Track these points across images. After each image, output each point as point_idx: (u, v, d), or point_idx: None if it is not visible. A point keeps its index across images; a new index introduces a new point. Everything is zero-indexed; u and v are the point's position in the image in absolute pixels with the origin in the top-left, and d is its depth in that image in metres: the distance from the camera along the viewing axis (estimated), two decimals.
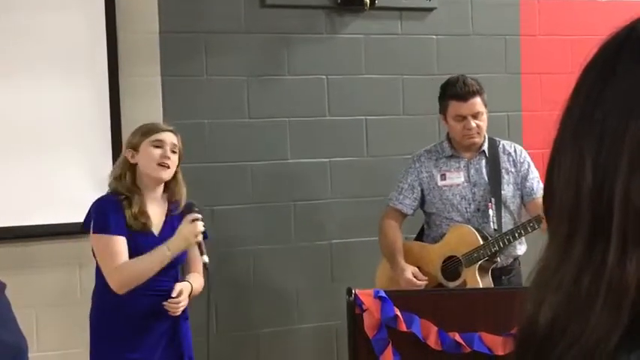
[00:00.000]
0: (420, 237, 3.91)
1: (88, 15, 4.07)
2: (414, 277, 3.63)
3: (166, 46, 4.24)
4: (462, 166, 3.75)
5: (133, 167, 3.23)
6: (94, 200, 3.28)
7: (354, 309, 3.21)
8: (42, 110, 3.98)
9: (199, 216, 3.22)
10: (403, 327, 3.15)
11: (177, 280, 3.26)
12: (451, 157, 3.77)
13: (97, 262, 3.24)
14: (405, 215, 3.83)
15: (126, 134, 3.89)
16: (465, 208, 3.70)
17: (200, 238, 3.20)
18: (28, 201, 3.96)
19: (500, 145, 3.79)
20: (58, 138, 4.00)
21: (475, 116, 3.65)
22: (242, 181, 4.36)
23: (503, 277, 3.69)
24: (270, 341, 4.43)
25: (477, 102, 3.65)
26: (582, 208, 0.65)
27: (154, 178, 3.24)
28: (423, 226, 3.93)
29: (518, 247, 3.72)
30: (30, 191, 3.95)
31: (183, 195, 3.30)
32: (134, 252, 3.15)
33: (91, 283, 3.93)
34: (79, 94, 4.04)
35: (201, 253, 3.24)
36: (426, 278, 3.64)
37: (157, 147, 3.22)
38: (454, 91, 3.67)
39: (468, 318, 3.16)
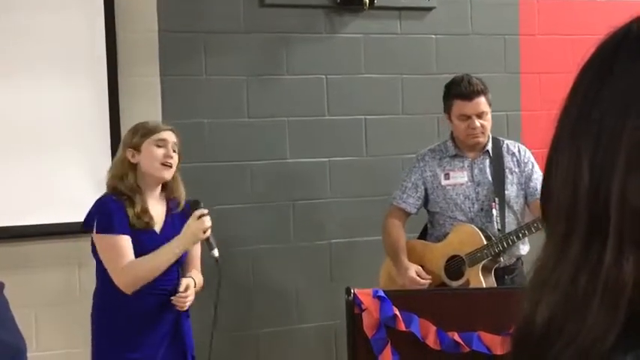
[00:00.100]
0: (423, 236, 3.91)
1: (88, 15, 4.07)
2: (418, 275, 3.63)
3: (166, 46, 4.24)
4: (465, 166, 3.75)
5: (134, 167, 3.23)
6: (93, 200, 3.28)
7: (353, 308, 3.21)
8: (41, 110, 3.98)
9: (206, 211, 3.23)
10: (402, 326, 3.15)
11: (178, 279, 3.26)
12: (455, 156, 3.77)
13: (97, 262, 3.24)
14: (408, 214, 3.83)
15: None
16: (469, 208, 3.70)
17: (208, 233, 3.21)
18: (27, 201, 3.96)
19: (504, 145, 3.79)
20: (57, 138, 4.00)
21: (479, 116, 3.66)
22: (241, 180, 4.36)
23: (506, 277, 3.69)
24: (269, 341, 4.43)
25: (482, 101, 3.66)
26: (579, 208, 0.66)
27: (156, 178, 3.25)
28: (426, 225, 3.93)
29: (521, 246, 3.71)
30: (29, 191, 3.95)
31: (182, 193, 3.31)
32: (138, 250, 3.16)
33: (90, 283, 3.93)
34: (78, 93, 4.04)
35: (211, 249, 3.26)
36: (430, 277, 3.64)
37: (160, 146, 3.23)
38: (459, 90, 3.67)
39: (467, 317, 3.16)
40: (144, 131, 3.25)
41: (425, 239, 3.86)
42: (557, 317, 0.65)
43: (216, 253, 3.26)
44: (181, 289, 3.19)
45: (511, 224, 3.68)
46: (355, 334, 3.21)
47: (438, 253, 3.72)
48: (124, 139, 3.33)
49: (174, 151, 3.26)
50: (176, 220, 3.27)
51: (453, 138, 3.80)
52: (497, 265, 3.65)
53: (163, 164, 3.22)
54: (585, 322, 0.63)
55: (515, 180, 3.73)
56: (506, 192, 3.70)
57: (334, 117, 4.54)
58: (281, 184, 4.45)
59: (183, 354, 3.30)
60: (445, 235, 3.73)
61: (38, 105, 3.98)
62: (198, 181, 4.02)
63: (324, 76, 4.53)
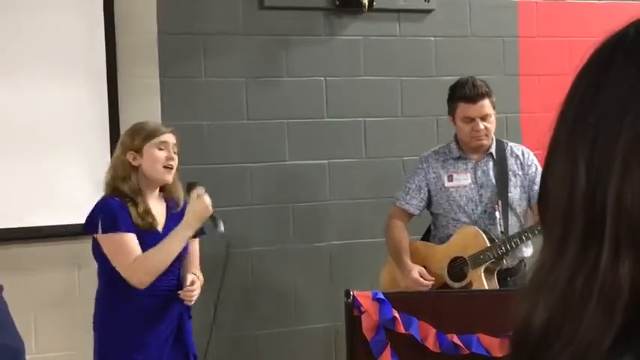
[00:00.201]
0: (426, 237, 3.91)
1: (87, 16, 4.07)
2: (421, 276, 3.63)
3: (165, 48, 4.24)
4: (469, 168, 3.76)
5: (135, 169, 3.24)
6: (92, 201, 3.28)
7: (353, 311, 3.21)
8: (41, 111, 3.99)
9: (203, 190, 3.25)
10: (401, 329, 3.15)
11: (179, 278, 3.27)
12: (459, 158, 3.78)
13: (99, 264, 3.25)
14: (411, 215, 3.83)
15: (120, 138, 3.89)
16: (472, 210, 3.71)
17: (210, 211, 3.22)
18: (26, 202, 3.96)
19: (508, 148, 3.79)
20: (56, 139, 4.00)
21: (484, 118, 3.66)
22: (241, 182, 4.37)
23: (509, 279, 3.69)
24: (268, 342, 4.43)
25: (486, 104, 3.66)
26: (576, 211, 0.66)
27: (158, 181, 3.26)
28: (429, 226, 3.93)
29: (524, 249, 3.71)
30: (29, 192, 3.95)
31: (180, 193, 3.32)
32: (142, 251, 3.17)
33: (89, 285, 3.93)
34: (78, 94, 4.04)
35: (216, 225, 3.29)
36: (433, 278, 3.64)
37: (162, 149, 3.24)
38: (463, 92, 3.68)
39: (466, 320, 3.16)
40: (145, 134, 3.25)
41: (428, 241, 3.87)
42: (555, 320, 0.66)
43: (222, 227, 3.28)
44: (187, 283, 3.22)
45: (514, 227, 3.68)
46: (354, 337, 3.21)
47: (441, 254, 3.72)
48: (122, 140, 3.32)
49: (174, 153, 3.27)
50: (176, 219, 3.27)
51: (456, 140, 3.80)
52: (500, 268, 3.65)
53: (165, 167, 3.24)
54: (582, 324, 0.64)
55: (518, 183, 3.73)
56: (509, 194, 3.70)
57: (333, 119, 4.55)
58: (280, 186, 4.45)
59: (186, 354, 3.31)
60: (448, 236, 3.74)
61: (37, 106, 3.98)
62: (198, 182, 4.01)
63: (323, 78, 4.53)
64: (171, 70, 4.25)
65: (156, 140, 3.24)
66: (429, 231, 3.93)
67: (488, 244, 3.59)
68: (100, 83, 4.07)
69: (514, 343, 0.69)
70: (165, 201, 3.34)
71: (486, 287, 3.57)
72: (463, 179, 3.74)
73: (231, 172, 4.33)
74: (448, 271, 3.70)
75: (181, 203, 3.32)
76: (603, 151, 0.65)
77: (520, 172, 3.75)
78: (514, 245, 3.57)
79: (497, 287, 3.60)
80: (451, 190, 3.74)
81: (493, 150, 3.76)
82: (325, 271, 4.53)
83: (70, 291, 4.07)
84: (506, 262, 3.67)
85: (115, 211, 3.16)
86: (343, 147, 4.56)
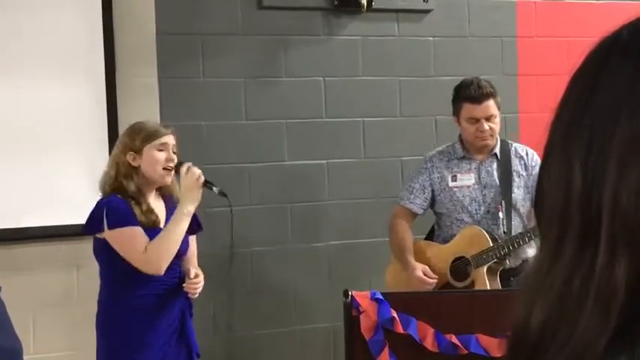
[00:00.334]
0: (430, 237, 3.92)
1: (86, 16, 4.07)
2: (425, 275, 3.64)
3: (163, 48, 4.24)
4: (473, 168, 3.77)
5: (135, 169, 3.24)
6: (91, 201, 3.28)
7: (351, 311, 3.21)
8: (40, 111, 3.99)
9: (189, 163, 3.26)
10: (400, 329, 3.15)
11: (180, 275, 3.28)
12: (463, 158, 3.78)
13: (101, 263, 3.25)
14: (415, 215, 3.84)
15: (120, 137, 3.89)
16: (475, 210, 3.71)
17: (202, 178, 3.25)
18: (25, 202, 3.96)
19: (513, 148, 3.80)
20: (56, 138, 4.00)
21: (488, 119, 3.67)
22: (239, 183, 4.36)
23: (512, 279, 3.69)
24: (267, 342, 4.43)
25: (491, 104, 3.67)
26: (571, 212, 0.66)
27: (157, 182, 3.27)
28: (433, 226, 3.94)
29: (527, 249, 3.71)
30: (28, 192, 3.95)
31: (177, 191, 3.32)
32: None
33: (88, 285, 3.93)
34: (77, 94, 4.04)
35: (212, 188, 3.35)
36: (437, 276, 3.65)
37: (161, 150, 3.25)
38: (468, 93, 3.68)
39: (465, 320, 3.16)
40: (145, 135, 3.25)
41: (432, 240, 3.87)
42: (551, 321, 0.66)
43: (217, 189, 3.38)
44: (191, 275, 3.24)
45: (517, 227, 3.68)
46: (353, 337, 3.21)
47: (444, 253, 3.73)
48: (122, 140, 3.32)
49: (174, 153, 3.28)
50: None
51: (461, 140, 3.81)
52: (502, 268, 3.65)
53: (165, 168, 3.25)
54: (578, 325, 0.64)
55: (522, 183, 3.74)
56: (512, 195, 3.71)
57: (332, 119, 4.55)
58: (279, 186, 4.45)
59: (189, 352, 3.32)
60: (452, 236, 3.75)
61: (36, 106, 3.98)
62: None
63: (321, 78, 4.53)
64: (170, 70, 4.25)
65: (156, 142, 3.25)
66: (432, 230, 3.94)
67: (491, 244, 3.60)
68: (99, 83, 4.07)
69: (511, 345, 0.70)
70: (163, 199, 3.34)
71: (489, 287, 3.57)
72: (467, 179, 3.75)
73: (229, 172, 4.33)
74: (451, 271, 3.71)
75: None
76: (599, 152, 0.65)
77: (524, 173, 3.75)
78: (516, 245, 3.57)
79: (500, 287, 3.60)
80: (455, 190, 3.75)
81: (497, 150, 3.76)
82: (324, 271, 4.53)
83: (68, 291, 4.06)
84: (509, 262, 3.67)
85: (121, 207, 3.17)
86: (342, 147, 4.56)
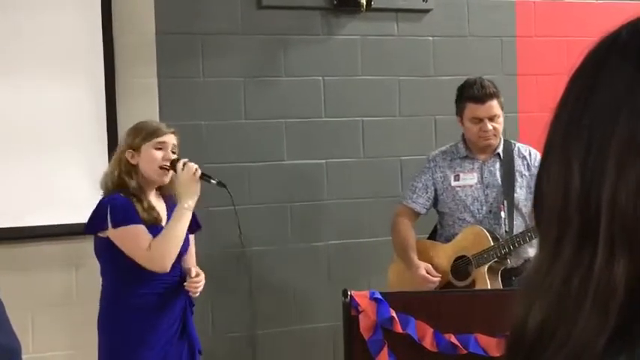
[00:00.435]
0: (433, 236, 3.94)
1: (86, 16, 4.07)
2: (428, 273, 3.64)
3: (163, 48, 4.24)
4: (475, 168, 3.77)
5: (134, 167, 3.25)
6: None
7: (350, 310, 3.21)
8: (40, 111, 3.99)
9: (185, 159, 3.26)
10: (399, 328, 3.15)
11: (181, 274, 3.28)
12: (465, 158, 3.79)
13: (103, 263, 3.25)
14: (417, 214, 3.86)
15: (122, 136, 3.89)
16: (477, 210, 3.72)
17: (199, 172, 3.25)
18: (25, 202, 3.96)
19: (516, 148, 3.81)
20: (56, 138, 4.00)
21: (492, 119, 3.68)
22: (239, 182, 4.36)
23: (513, 278, 3.70)
24: (266, 342, 4.43)
25: (494, 104, 3.68)
26: (570, 212, 0.66)
27: (154, 181, 3.27)
28: (436, 225, 3.95)
29: (528, 249, 3.72)
30: (27, 192, 3.96)
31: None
32: None
33: (87, 284, 3.93)
34: (77, 94, 4.04)
35: (209, 180, 3.37)
36: (440, 275, 3.65)
37: (159, 149, 3.25)
38: (471, 93, 3.69)
39: (464, 319, 3.16)
40: (145, 133, 3.27)
41: (434, 239, 3.88)
42: (550, 321, 0.66)
43: (215, 180, 3.39)
44: (192, 274, 3.24)
45: (519, 227, 3.69)
46: (352, 336, 3.21)
47: (446, 253, 3.74)
48: (124, 138, 3.34)
49: (173, 153, 3.28)
50: None
51: (464, 140, 3.82)
52: (504, 267, 3.66)
53: (162, 167, 3.24)
54: (577, 325, 0.64)
55: (524, 183, 3.74)
56: (515, 195, 3.71)
57: (331, 119, 4.55)
58: (278, 185, 4.45)
59: (191, 349, 3.33)
60: (454, 235, 3.76)
61: (36, 106, 3.98)
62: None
63: (321, 78, 4.53)
64: (170, 69, 4.25)
65: (154, 140, 3.25)
66: (435, 230, 3.95)
67: (492, 244, 3.60)
68: (99, 83, 4.07)
69: (510, 345, 0.70)
70: (164, 199, 3.35)
71: (489, 286, 3.58)
72: (469, 179, 3.76)
73: (229, 171, 4.32)
74: (452, 270, 3.72)
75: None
76: (597, 152, 0.65)
77: (527, 173, 3.76)
78: (517, 245, 3.57)
79: (501, 286, 3.60)
80: (457, 189, 3.76)
81: (500, 150, 3.77)
82: (323, 271, 4.53)
83: (67, 291, 4.06)
84: (511, 262, 3.67)
85: (124, 205, 3.17)
86: (341, 146, 4.56)
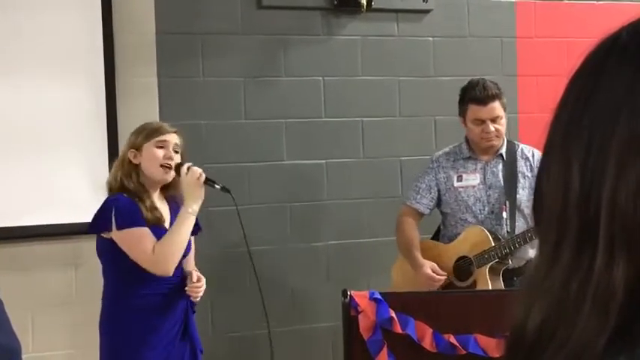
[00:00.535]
0: (436, 237, 3.95)
1: (86, 16, 4.07)
2: (433, 272, 3.65)
3: (163, 47, 4.24)
4: (478, 168, 3.79)
5: (136, 167, 3.25)
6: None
7: (350, 311, 3.21)
8: (40, 111, 3.99)
9: (189, 164, 3.27)
10: (398, 329, 3.15)
11: (183, 275, 3.29)
12: (468, 158, 3.81)
13: (105, 263, 3.25)
14: (421, 215, 3.87)
15: (122, 135, 3.89)
16: (479, 210, 3.73)
17: (203, 177, 3.25)
18: (24, 202, 3.96)
19: (519, 149, 3.82)
20: (56, 138, 4.00)
21: (494, 120, 3.69)
22: (239, 182, 4.36)
23: (515, 279, 3.70)
24: (265, 342, 4.43)
25: (496, 106, 3.68)
26: (570, 213, 0.66)
27: (156, 180, 3.27)
28: (439, 225, 3.96)
29: (529, 250, 3.72)
30: (26, 192, 3.95)
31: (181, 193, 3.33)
32: None
33: (86, 284, 3.93)
34: (77, 94, 4.04)
35: (214, 185, 3.36)
36: (445, 273, 3.67)
37: (160, 147, 3.25)
38: (473, 94, 3.70)
39: (463, 320, 3.16)
40: (146, 133, 3.27)
41: (438, 240, 3.89)
42: (549, 323, 0.66)
43: (219, 185, 3.38)
44: (194, 279, 3.25)
45: (521, 228, 3.69)
46: (351, 336, 3.21)
47: (448, 253, 3.75)
48: (128, 138, 3.34)
49: (176, 152, 3.28)
50: None
51: (467, 140, 3.83)
52: (505, 267, 3.66)
53: (163, 165, 3.24)
54: (576, 327, 0.64)
55: (527, 184, 3.75)
56: (517, 196, 3.72)
57: (331, 119, 4.55)
58: (278, 185, 4.45)
59: (193, 349, 3.33)
60: (456, 235, 3.77)
61: (36, 106, 3.98)
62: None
63: (321, 78, 4.53)
64: (170, 69, 4.25)
65: (156, 138, 3.25)
66: (439, 230, 3.96)
67: (493, 244, 3.61)
68: (99, 83, 4.07)
69: (509, 346, 0.70)
70: (167, 201, 3.34)
71: (490, 287, 3.59)
72: (472, 179, 3.77)
73: (229, 171, 4.32)
74: (454, 270, 3.73)
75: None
76: (597, 152, 0.65)
77: (529, 174, 3.77)
78: (518, 245, 3.58)
79: (503, 287, 3.61)
80: (460, 189, 3.77)
81: (503, 151, 3.78)
82: (323, 271, 4.53)
83: (67, 291, 4.06)
84: (512, 263, 3.68)
85: (129, 207, 3.17)
86: (341, 147, 4.56)
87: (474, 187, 3.76)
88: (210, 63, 4.34)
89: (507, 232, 3.66)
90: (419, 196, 3.85)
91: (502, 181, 3.75)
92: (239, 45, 4.38)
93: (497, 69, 4.80)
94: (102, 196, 3.31)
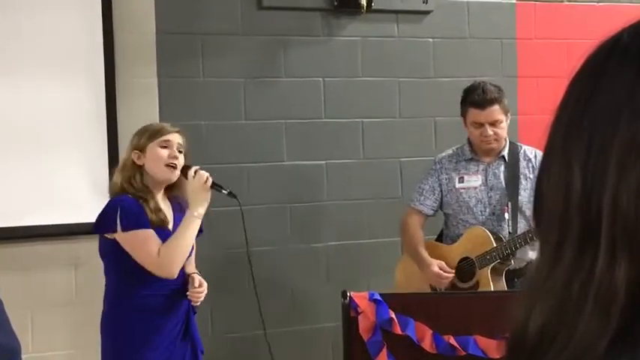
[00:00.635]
0: (440, 238, 3.96)
1: (86, 16, 4.07)
2: (441, 270, 3.66)
3: (163, 48, 4.24)
4: (480, 170, 3.80)
5: (140, 168, 3.25)
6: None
7: (349, 311, 3.21)
8: (40, 111, 3.99)
9: (196, 167, 3.28)
10: (398, 330, 3.15)
11: (184, 278, 3.29)
12: (471, 160, 3.82)
13: (107, 263, 3.24)
14: (426, 216, 3.88)
15: (122, 136, 3.90)
16: (480, 211, 3.74)
17: (210, 181, 3.26)
18: (24, 202, 3.96)
19: (522, 151, 3.82)
20: (56, 138, 4.00)
21: (493, 124, 3.70)
22: (238, 183, 4.36)
23: (516, 280, 3.71)
24: (265, 343, 4.43)
25: (495, 110, 3.69)
26: (571, 215, 0.66)
27: (161, 180, 3.27)
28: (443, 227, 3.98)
29: (530, 252, 3.73)
30: (26, 192, 3.95)
31: (185, 194, 3.32)
32: None
33: (86, 284, 3.93)
34: (77, 94, 4.04)
35: (220, 191, 3.36)
36: (453, 271, 3.67)
37: (164, 147, 3.25)
38: (472, 98, 3.71)
39: (463, 321, 3.16)
40: (149, 133, 3.27)
41: (442, 241, 3.90)
42: (550, 325, 0.66)
43: (226, 190, 3.39)
44: (196, 284, 3.25)
45: (523, 229, 3.69)
46: (351, 337, 3.21)
47: (451, 254, 3.76)
48: (131, 140, 3.34)
49: (179, 152, 3.28)
50: (182, 217, 3.29)
51: (469, 142, 3.84)
52: (507, 268, 3.67)
53: (167, 165, 3.24)
54: (577, 329, 0.64)
55: (529, 186, 3.75)
56: (519, 197, 3.72)
57: (331, 120, 4.55)
58: (278, 186, 4.45)
59: (194, 350, 3.33)
60: (458, 236, 3.79)
61: (36, 106, 3.98)
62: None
63: (321, 79, 4.53)
64: (170, 70, 4.25)
65: (159, 139, 3.26)
66: (442, 231, 3.98)
67: (495, 245, 3.62)
68: (99, 83, 4.07)
69: (510, 349, 0.70)
70: (170, 202, 3.34)
71: (492, 288, 3.60)
72: (474, 181, 3.78)
73: (229, 172, 4.33)
74: (457, 271, 3.73)
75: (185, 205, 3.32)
76: (598, 154, 0.65)
77: (531, 176, 3.77)
78: (519, 246, 3.59)
79: (505, 288, 3.62)
80: (461, 191, 3.79)
81: (505, 153, 3.79)
82: (323, 272, 4.53)
83: (67, 291, 4.06)
84: (514, 264, 3.68)
85: (134, 208, 3.17)
86: (341, 148, 4.56)
87: (475, 188, 3.78)
88: (210, 63, 4.34)
89: (509, 233, 3.67)
90: (422, 198, 3.86)
91: (504, 183, 3.76)
92: (239, 45, 4.38)
93: (498, 70, 4.80)
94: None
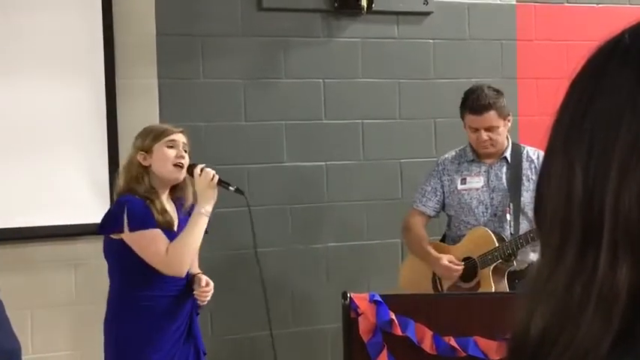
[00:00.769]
0: (444, 239, 3.97)
1: (86, 17, 4.07)
2: (450, 263, 3.68)
3: (163, 49, 4.24)
4: (482, 171, 3.80)
5: (146, 169, 3.25)
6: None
7: (350, 313, 3.21)
8: (40, 111, 3.99)
9: (202, 165, 3.28)
10: (398, 331, 3.15)
11: (188, 278, 3.29)
12: (473, 161, 3.83)
13: (112, 263, 3.24)
14: (428, 217, 3.90)
15: (122, 136, 3.90)
16: (482, 213, 3.75)
17: (216, 178, 3.27)
18: (24, 202, 3.96)
19: (525, 152, 3.83)
20: (56, 139, 4.00)
21: (488, 129, 3.70)
22: (238, 184, 4.34)
23: (517, 281, 3.71)
24: (265, 344, 4.43)
25: (490, 116, 3.69)
26: (573, 217, 0.66)
27: (169, 179, 3.27)
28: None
29: (531, 253, 3.73)
30: (26, 192, 3.95)
31: (190, 194, 3.32)
32: None
33: (86, 285, 3.93)
34: (77, 94, 4.04)
35: (228, 187, 3.38)
36: (462, 264, 3.68)
37: (171, 147, 3.26)
38: (469, 103, 3.73)
39: (463, 322, 3.16)
40: (154, 134, 3.28)
41: (444, 242, 3.91)
42: (552, 327, 0.65)
43: (233, 187, 3.41)
44: (203, 284, 3.26)
45: (525, 230, 3.70)
46: (351, 339, 3.21)
47: (453, 254, 3.76)
48: (134, 142, 3.33)
49: (185, 152, 3.29)
50: (186, 221, 3.28)
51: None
52: (509, 269, 3.67)
53: (175, 165, 3.25)
54: (579, 330, 0.64)
55: (531, 187, 3.76)
56: (521, 198, 3.73)
57: (331, 121, 4.55)
58: (278, 187, 4.45)
59: (197, 351, 3.33)
60: (460, 237, 3.80)
61: (36, 106, 3.98)
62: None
63: (321, 80, 4.54)
64: (170, 71, 4.25)
65: (165, 139, 3.26)
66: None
67: (497, 245, 3.62)
68: (99, 83, 4.08)
69: (511, 351, 0.69)
70: (174, 203, 3.34)
71: (494, 288, 3.60)
72: (476, 182, 3.79)
73: (229, 173, 4.31)
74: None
75: (188, 205, 3.32)
76: (600, 156, 0.65)
77: (533, 177, 3.77)
78: (520, 246, 3.59)
79: (507, 288, 3.62)
80: (463, 192, 3.80)
81: (508, 154, 3.80)
82: (323, 273, 4.53)
83: (67, 291, 4.06)
84: (516, 265, 3.69)
85: (141, 208, 3.17)
86: (341, 149, 4.56)
87: (477, 189, 3.78)
88: (210, 64, 4.34)
89: (511, 234, 3.67)
90: (425, 199, 3.88)
91: (506, 184, 3.76)
92: (239, 47, 4.38)
93: (497, 72, 4.80)
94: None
